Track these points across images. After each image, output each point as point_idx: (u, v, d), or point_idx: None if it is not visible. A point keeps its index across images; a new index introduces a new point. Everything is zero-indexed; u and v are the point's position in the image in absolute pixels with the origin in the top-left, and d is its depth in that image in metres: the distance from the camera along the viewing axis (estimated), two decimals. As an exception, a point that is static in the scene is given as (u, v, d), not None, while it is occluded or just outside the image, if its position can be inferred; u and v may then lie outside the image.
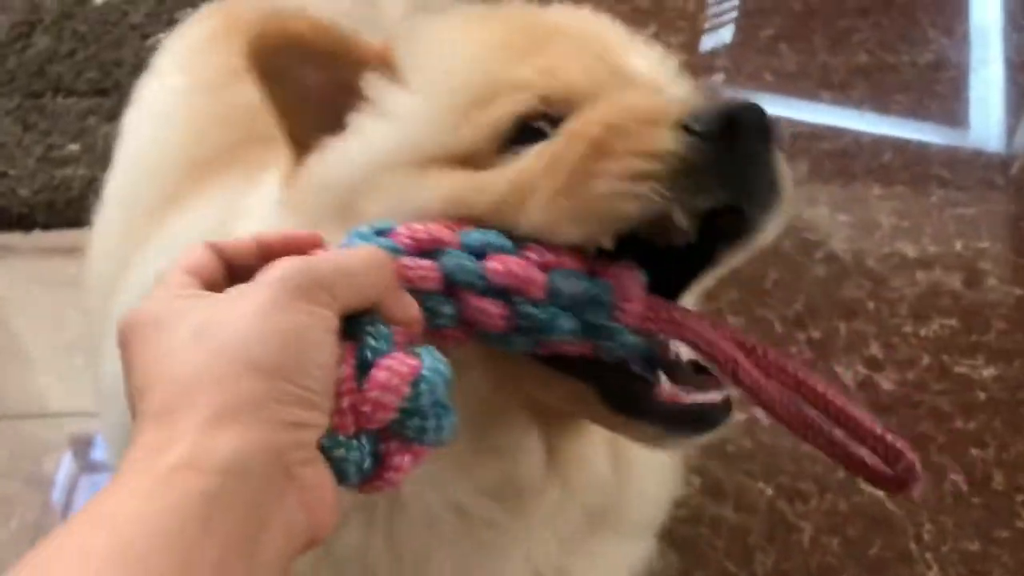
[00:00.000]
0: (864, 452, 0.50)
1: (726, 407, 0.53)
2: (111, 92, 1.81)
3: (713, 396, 0.53)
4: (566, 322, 0.51)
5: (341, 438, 0.43)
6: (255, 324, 0.41)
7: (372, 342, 0.44)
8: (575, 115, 0.54)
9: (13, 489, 1.28)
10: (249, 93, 0.59)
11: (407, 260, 0.49)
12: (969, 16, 2.17)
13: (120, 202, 0.97)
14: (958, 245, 1.65)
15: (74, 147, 1.70)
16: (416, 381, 0.44)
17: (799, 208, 1.69)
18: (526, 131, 0.54)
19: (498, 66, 0.56)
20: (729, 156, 0.49)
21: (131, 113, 1.01)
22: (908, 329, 1.52)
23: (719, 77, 1.97)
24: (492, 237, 0.51)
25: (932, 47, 2.06)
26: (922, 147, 1.84)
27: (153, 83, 1.01)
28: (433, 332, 0.50)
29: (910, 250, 1.64)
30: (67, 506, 1.30)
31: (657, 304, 0.53)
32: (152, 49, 1.85)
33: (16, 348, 1.42)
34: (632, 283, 0.52)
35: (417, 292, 0.49)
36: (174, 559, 0.35)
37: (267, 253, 0.49)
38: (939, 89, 1.97)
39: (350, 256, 0.47)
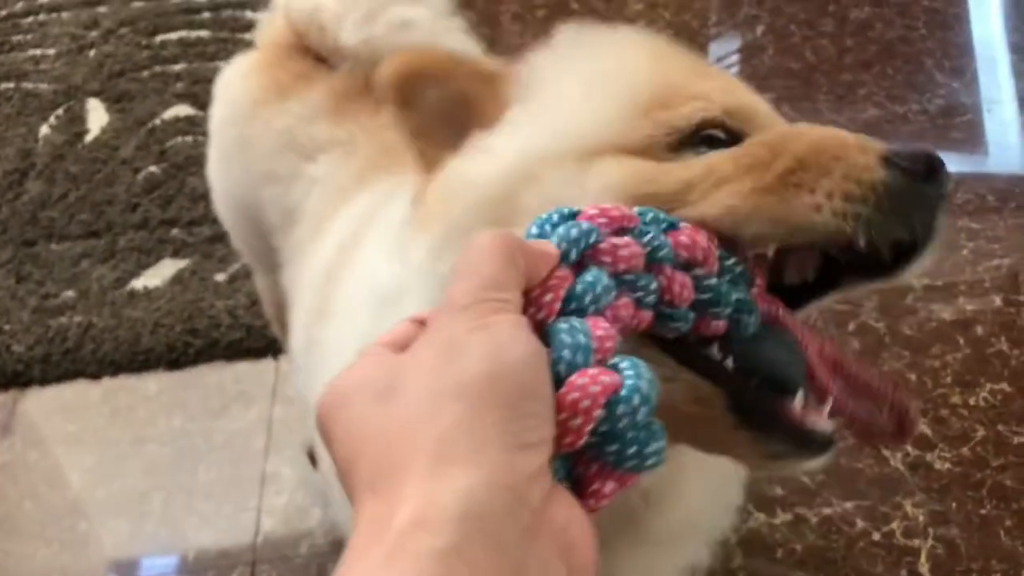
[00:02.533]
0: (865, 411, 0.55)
1: (834, 435, 0.54)
2: (103, 233, 1.77)
3: (830, 424, 0.54)
4: (732, 294, 0.51)
5: None
6: (444, 357, 0.37)
7: (567, 355, 0.39)
8: (754, 133, 0.58)
9: None
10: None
11: (613, 240, 0.46)
12: (974, 55, 2.10)
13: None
14: (998, 300, 1.56)
15: (69, 294, 1.66)
16: (612, 402, 0.38)
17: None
18: (702, 136, 0.59)
19: (680, 78, 0.61)
20: (922, 196, 0.53)
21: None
22: (956, 399, 1.42)
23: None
24: (661, 214, 0.50)
25: (941, 92, 1.99)
26: (945, 198, 1.75)
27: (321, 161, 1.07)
28: (640, 317, 0.47)
29: (947, 312, 1.54)
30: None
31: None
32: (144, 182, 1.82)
33: (15, 518, 1.36)
34: (753, 266, 0.54)
35: (626, 273, 0.46)
36: None
37: None
38: (955, 135, 1.89)
39: (487, 250, 0.41)
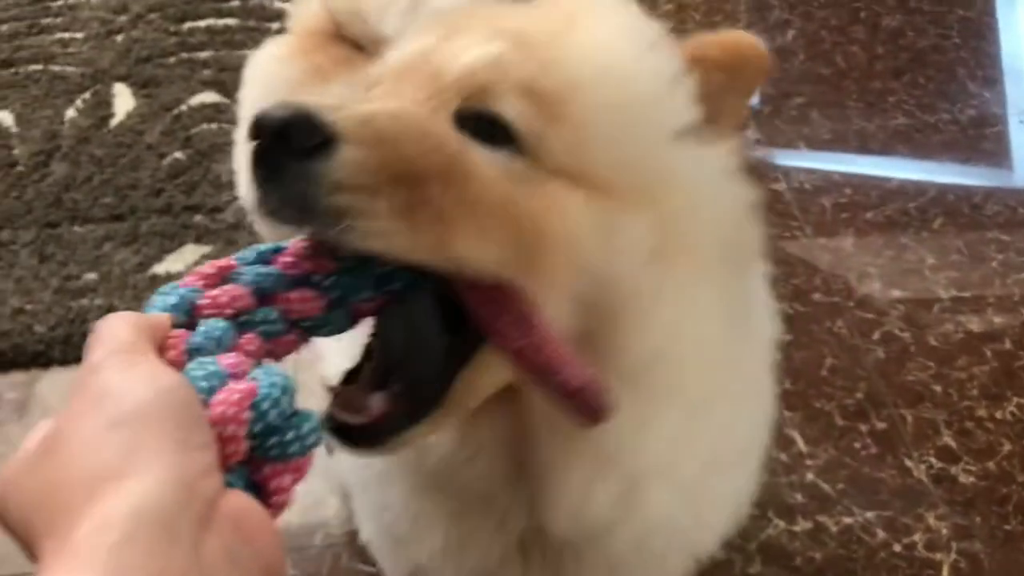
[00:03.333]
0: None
1: (378, 430, 0.54)
2: (127, 217, 1.77)
3: (351, 418, 0.54)
4: (364, 279, 0.53)
5: None
6: (97, 400, 0.40)
7: (204, 384, 0.44)
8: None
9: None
10: None
11: (213, 291, 0.51)
12: (1002, 66, 2.08)
13: None
14: (1026, 314, 1.54)
15: (91, 276, 1.66)
16: (256, 403, 0.43)
17: (850, 282, 1.59)
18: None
19: None
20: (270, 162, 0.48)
21: None
22: (982, 412, 1.40)
23: (750, 150, 1.89)
24: (263, 247, 0.54)
25: (973, 102, 1.97)
26: (974, 209, 1.73)
27: None
28: (273, 345, 0.52)
29: (974, 323, 1.52)
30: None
31: None
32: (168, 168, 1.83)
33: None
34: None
35: (239, 314, 0.50)
36: None
37: None
38: (986, 146, 1.87)
39: (114, 324, 0.45)
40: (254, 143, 0.48)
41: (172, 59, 2.18)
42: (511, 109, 0.54)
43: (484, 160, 0.53)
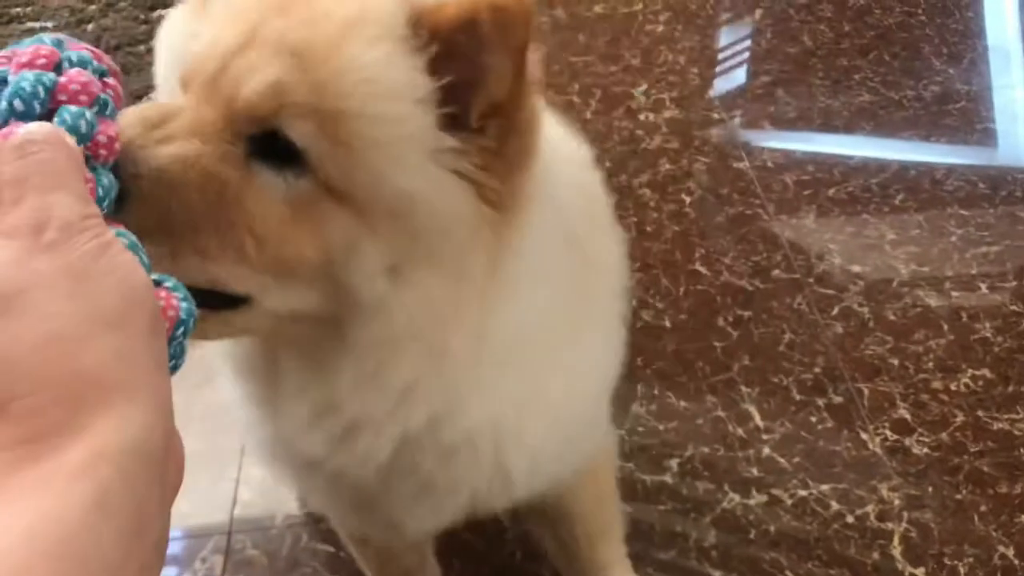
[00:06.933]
0: None
1: None
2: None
3: None
4: None
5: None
6: (77, 281, 0.34)
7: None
8: None
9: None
10: None
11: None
12: (974, 42, 2.08)
13: None
14: (983, 287, 1.55)
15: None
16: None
17: (811, 261, 1.60)
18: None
19: None
20: None
21: None
22: (938, 385, 1.41)
23: (716, 130, 1.89)
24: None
25: (938, 78, 1.98)
26: (935, 185, 1.75)
27: None
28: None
29: (932, 298, 1.54)
30: None
31: None
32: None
33: None
34: None
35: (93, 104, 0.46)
36: (81, 549, 0.30)
37: None
38: (949, 122, 1.88)
39: (70, 159, 0.39)
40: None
41: (142, 47, 2.18)
42: (295, 131, 0.57)
43: (267, 185, 0.58)
